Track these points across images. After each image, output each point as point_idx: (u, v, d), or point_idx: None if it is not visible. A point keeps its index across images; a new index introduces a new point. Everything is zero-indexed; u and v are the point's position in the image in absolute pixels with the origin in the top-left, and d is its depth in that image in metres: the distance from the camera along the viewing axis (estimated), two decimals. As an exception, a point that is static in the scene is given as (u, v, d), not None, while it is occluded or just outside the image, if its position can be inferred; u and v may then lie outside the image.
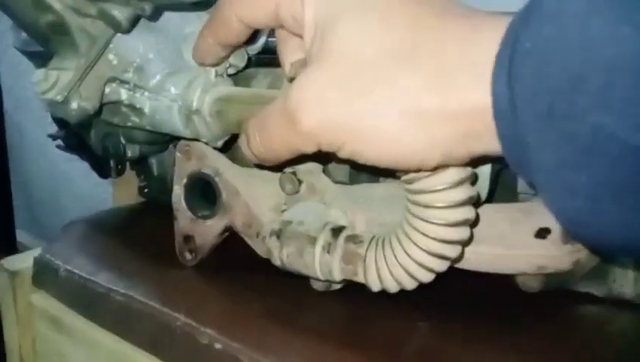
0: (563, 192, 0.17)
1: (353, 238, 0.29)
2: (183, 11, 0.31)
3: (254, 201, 0.36)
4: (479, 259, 0.31)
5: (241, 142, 0.27)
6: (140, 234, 0.44)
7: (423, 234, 0.25)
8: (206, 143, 0.33)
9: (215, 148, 0.34)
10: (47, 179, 1.46)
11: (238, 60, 0.33)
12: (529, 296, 0.33)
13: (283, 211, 0.35)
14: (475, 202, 0.26)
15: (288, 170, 0.33)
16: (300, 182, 0.33)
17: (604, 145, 0.16)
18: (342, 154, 0.22)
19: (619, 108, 0.15)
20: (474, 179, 0.25)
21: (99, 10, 0.25)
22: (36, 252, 0.39)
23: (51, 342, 0.38)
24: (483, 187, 0.28)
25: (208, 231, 0.39)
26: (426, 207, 0.25)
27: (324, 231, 0.30)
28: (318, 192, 0.33)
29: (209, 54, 0.30)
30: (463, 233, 0.25)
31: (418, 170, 0.23)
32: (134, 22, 0.27)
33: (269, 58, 0.39)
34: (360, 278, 0.29)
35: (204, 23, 0.29)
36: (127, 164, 0.51)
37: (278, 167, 0.32)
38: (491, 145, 0.19)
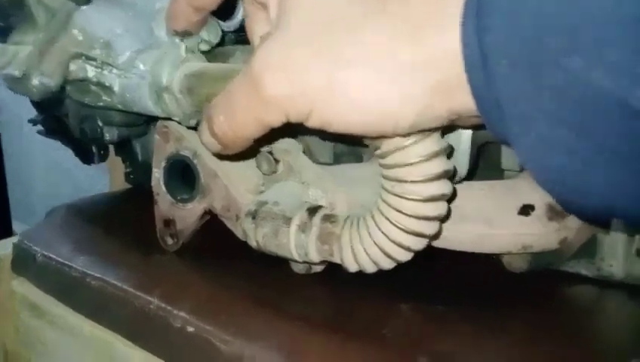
0: (540, 147, 0.16)
1: (329, 218, 0.28)
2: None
3: (233, 183, 0.35)
4: (462, 238, 0.30)
5: (202, 130, 0.25)
6: (123, 220, 0.43)
7: (398, 210, 0.24)
8: (179, 123, 0.32)
9: (190, 128, 0.33)
10: (44, 170, 1.46)
11: (212, 36, 0.32)
12: (515, 277, 0.32)
13: (261, 193, 0.34)
14: (453, 176, 0.24)
15: (265, 149, 0.32)
16: (276, 161, 0.32)
17: (577, 90, 0.15)
18: (311, 123, 0.21)
19: (591, 51, 0.14)
20: (450, 152, 0.24)
21: (55, -19, 0.24)
22: (16, 238, 0.39)
23: (33, 329, 0.37)
24: (462, 162, 0.27)
25: (188, 214, 0.38)
26: (400, 181, 0.24)
27: (299, 210, 0.29)
28: (296, 172, 0.32)
29: (181, 16, 0.28)
30: (439, 208, 0.24)
31: (392, 137, 0.22)
32: (93, -7, 0.26)
33: (246, 35, 0.37)
34: (336, 259, 0.28)
35: None
36: (112, 149, 0.50)
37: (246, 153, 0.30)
38: (467, 100, 0.18)
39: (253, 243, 0.30)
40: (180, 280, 0.33)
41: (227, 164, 0.35)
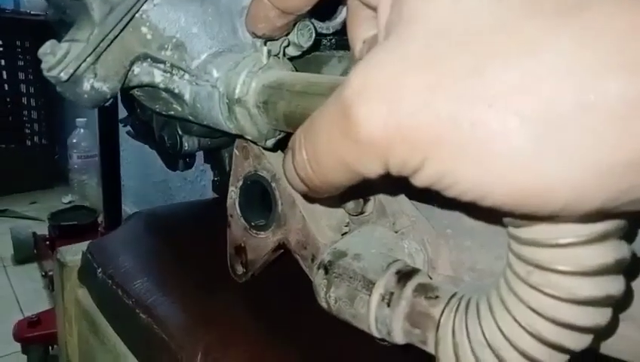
0: None
1: (426, 290, 0.21)
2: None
3: (312, 216, 0.29)
4: (618, 343, 0.21)
5: (286, 162, 0.19)
6: (198, 236, 0.40)
7: (530, 308, 0.16)
8: (254, 142, 0.27)
9: (266, 149, 0.28)
10: (160, 161, 1.55)
11: (303, 38, 0.26)
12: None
13: (344, 235, 0.28)
14: (630, 269, 0.16)
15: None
16: (365, 200, 0.25)
17: None
18: (421, 179, 0.14)
19: None
20: (626, 232, 0.16)
21: (111, -35, 0.20)
22: (85, 246, 0.37)
23: (89, 343, 0.35)
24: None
25: (261, 244, 0.33)
26: (540, 268, 0.16)
27: (386, 273, 0.22)
28: (389, 216, 0.25)
29: (262, 18, 0.22)
30: (598, 316, 0.16)
31: (549, 217, 0.14)
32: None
33: (348, 40, 0.31)
34: (430, 348, 0.20)
35: None
36: (199, 156, 0.47)
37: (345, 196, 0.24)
38: None
39: (322, 304, 0.24)
40: (229, 335, 0.28)
41: (308, 194, 0.29)
